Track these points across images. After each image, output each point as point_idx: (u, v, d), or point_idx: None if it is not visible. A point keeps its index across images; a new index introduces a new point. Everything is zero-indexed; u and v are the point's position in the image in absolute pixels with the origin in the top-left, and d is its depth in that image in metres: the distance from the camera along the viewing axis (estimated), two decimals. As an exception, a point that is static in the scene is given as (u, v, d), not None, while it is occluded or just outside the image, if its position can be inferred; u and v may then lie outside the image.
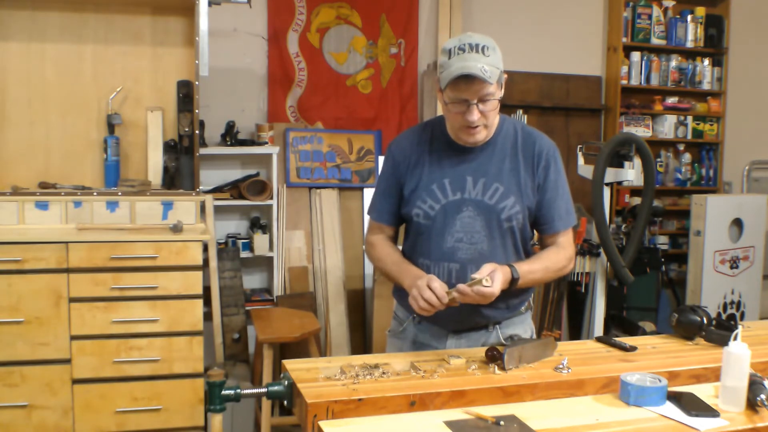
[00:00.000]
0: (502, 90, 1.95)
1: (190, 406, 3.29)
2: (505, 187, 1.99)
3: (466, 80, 1.84)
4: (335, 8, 4.54)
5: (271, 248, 4.24)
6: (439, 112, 2.02)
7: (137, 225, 3.49)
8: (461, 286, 1.80)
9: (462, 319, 2.00)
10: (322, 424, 1.53)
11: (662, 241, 5.18)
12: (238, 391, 1.70)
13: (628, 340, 2.10)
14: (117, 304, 3.20)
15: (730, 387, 1.62)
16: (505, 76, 1.96)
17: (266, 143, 4.21)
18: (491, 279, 1.79)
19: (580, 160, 4.18)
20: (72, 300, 3.16)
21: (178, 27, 3.76)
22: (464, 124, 1.92)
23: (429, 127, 2.09)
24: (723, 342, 1.92)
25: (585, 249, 4.10)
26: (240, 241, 4.22)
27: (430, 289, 1.81)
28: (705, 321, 2.12)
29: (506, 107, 4.72)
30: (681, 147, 5.28)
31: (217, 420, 1.77)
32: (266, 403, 3.42)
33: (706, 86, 5.29)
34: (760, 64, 5.54)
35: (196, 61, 3.54)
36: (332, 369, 1.76)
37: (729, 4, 5.28)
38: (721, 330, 2.10)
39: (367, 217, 2.21)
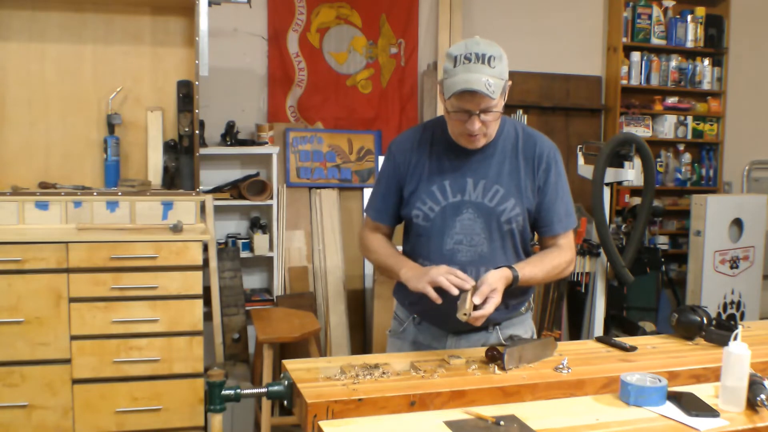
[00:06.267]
0: (505, 98, 1.94)
1: (190, 406, 3.29)
2: (505, 189, 1.98)
3: (470, 93, 1.83)
4: (335, 8, 4.54)
5: (271, 248, 4.24)
6: (439, 112, 2.03)
7: (137, 225, 3.49)
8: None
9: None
10: (322, 424, 1.53)
11: (662, 241, 5.18)
12: (238, 391, 1.70)
13: (628, 340, 2.10)
14: (117, 304, 3.20)
15: (730, 387, 1.62)
16: (509, 83, 1.96)
17: (266, 143, 4.21)
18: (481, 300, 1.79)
19: (580, 160, 4.18)
20: (72, 300, 3.16)
21: (178, 27, 3.76)
22: (464, 132, 1.92)
23: (429, 128, 2.08)
24: (723, 342, 1.92)
25: (585, 249, 4.10)
26: (240, 241, 4.21)
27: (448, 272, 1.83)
28: (705, 321, 2.12)
29: (506, 107, 4.63)
30: (681, 147, 5.28)
31: (217, 420, 1.77)
32: (266, 403, 3.42)
33: (706, 86, 5.29)
34: (760, 64, 5.54)
35: (196, 61, 3.54)
36: (332, 369, 1.76)
37: (729, 4, 5.28)
38: (721, 330, 2.10)
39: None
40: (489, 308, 1.78)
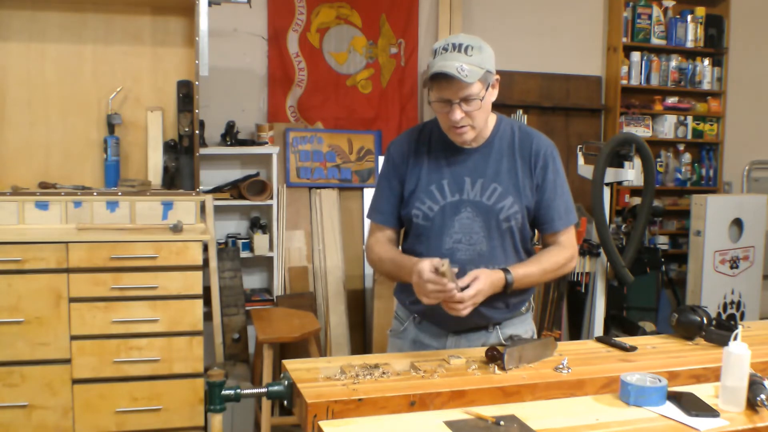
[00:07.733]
0: (489, 90, 1.92)
1: (190, 406, 3.29)
2: (503, 188, 1.98)
3: (446, 80, 1.84)
4: (335, 8, 4.54)
5: (271, 248, 4.24)
6: (440, 112, 2.03)
7: (137, 225, 3.49)
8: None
9: (462, 320, 2.00)
10: (322, 424, 1.53)
11: (662, 241, 5.18)
12: (238, 391, 1.70)
13: (628, 340, 2.09)
14: (117, 304, 3.20)
15: (730, 387, 1.62)
16: (497, 76, 1.95)
17: (266, 143, 4.21)
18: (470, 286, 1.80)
19: (580, 160, 4.18)
20: (72, 300, 3.16)
21: (178, 27, 3.76)
22: (450, 124, 1.93)
23: (427, 128, 2.09)
24: (723, 342, 1.92)
25: (585, 249, 4.10)
26: (240, 241, 4.21)
27: (426, 281, 1.79)
28: (705, 321, 2.12)
29: (506, 107, 4.72)
30: (681, 147, 5.28)
31: (217, 420, 1.77)
32: (266, 403, 3.42)
33: (706, 86, 5.29)
34: (760, 64, 5.54)
35: (196, 61, 3.54)
36: (332, 369, 1.76)
37: (729, 4, 5.28)
38: (721, 330, 2.10)
39: (367, 220, 2.20)
40: (463, 313, 1.81)
